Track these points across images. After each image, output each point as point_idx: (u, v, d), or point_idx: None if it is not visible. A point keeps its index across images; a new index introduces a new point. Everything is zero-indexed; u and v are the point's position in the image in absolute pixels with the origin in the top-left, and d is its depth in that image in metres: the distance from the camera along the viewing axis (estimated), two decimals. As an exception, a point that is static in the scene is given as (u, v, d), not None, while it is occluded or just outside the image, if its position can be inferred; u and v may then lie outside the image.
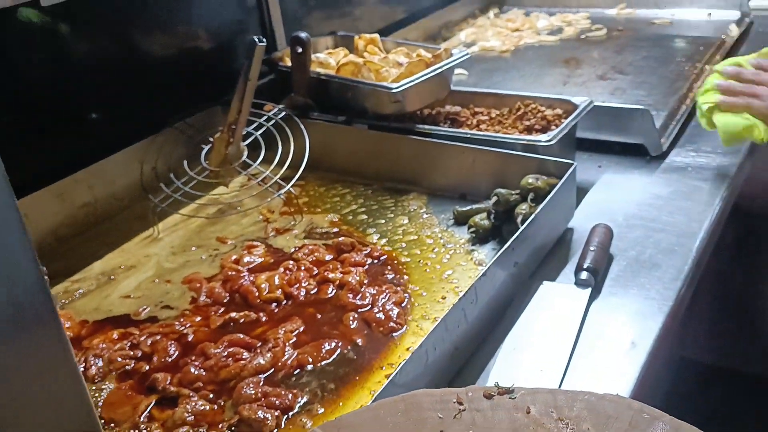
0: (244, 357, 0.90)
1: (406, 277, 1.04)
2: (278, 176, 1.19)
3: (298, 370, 0.88)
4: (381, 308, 0.96)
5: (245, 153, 1.24)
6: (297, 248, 1.12)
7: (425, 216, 1.18)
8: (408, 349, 0.89)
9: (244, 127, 1.24)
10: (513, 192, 1.07)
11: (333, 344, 0.91)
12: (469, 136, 1.20)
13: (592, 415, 0.57)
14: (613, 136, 1.32)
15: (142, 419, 0.84)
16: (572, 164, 1.06)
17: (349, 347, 0.90)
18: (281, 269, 1.05)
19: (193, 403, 0.84)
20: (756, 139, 1.14)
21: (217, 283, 1.05)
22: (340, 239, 1.11)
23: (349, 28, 1.61)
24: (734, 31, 1.82)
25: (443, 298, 0.98)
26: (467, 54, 1.35)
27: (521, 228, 0.95)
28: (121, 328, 0.99)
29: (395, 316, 0.94)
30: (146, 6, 1.34)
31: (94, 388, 0.87)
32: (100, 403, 0.87)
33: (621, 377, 0.82)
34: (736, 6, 1.93)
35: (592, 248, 0.99)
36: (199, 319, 0.99)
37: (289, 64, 1.38)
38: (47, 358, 0.38)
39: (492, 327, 0.92)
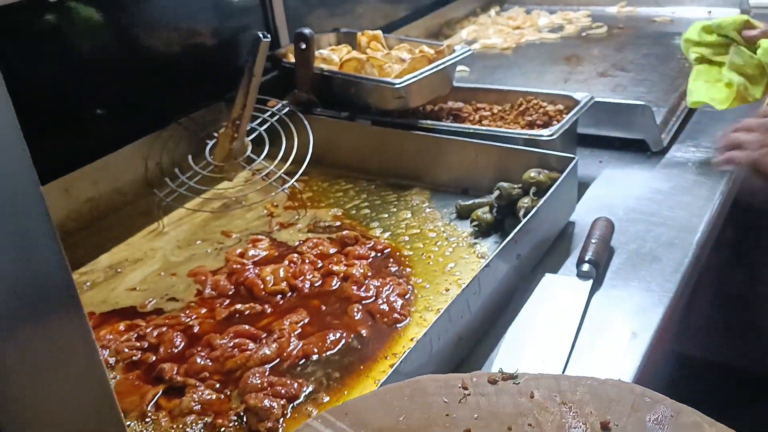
0: (249, 347, 0.91)
1: (409, 269, 1.05)
2: (282, 171, 1.21)
3: (303, 360, 0.89)
4: (385, 300, 0.97)
5: (249, 148, 1.25)
6: (301, 242, 1.13)
7: (428, 210, 1.19)
8: (412, 339, 0.90)
9: (248, 123, 1.25)
10: (515, 186, 1.08)
11: (338, 335, 0.92)
12: (471, 131, 1.21)
13: (594, 399, 0.58)
14: (613, 131, 1.34)
15: (149, 408, 0.85)
16: (574, 158, 1.07)
17: (353, 338, 0.92)
18: (286, 262, 1.06)
19: (200, 393, 0.85)
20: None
21: (222, 276, 1.06)
22: (344, 233, 1.13)
23: (350, 26, 1.62)
24: (734, 29, 1.83)
25: (446, 290, 0.99)
26: (469, 50, 1.36)
27: (523, 221, 0.96)
28: (128, 320, 1.00)
29: (399, 307, 0.95)
30: (151, 3, 1.35)
31: (101, 378, 0.88)
32: (108, 393, 0.88)
33: (622, 367, 0.83)
34: (735, 4, 1.94)
35: (593, 241, 1.00)
36: (204, 311, 1.01)
37: (293, 60, 1.39)
38: (70, 343, 0.38)
39: (495, 318, 0.93)
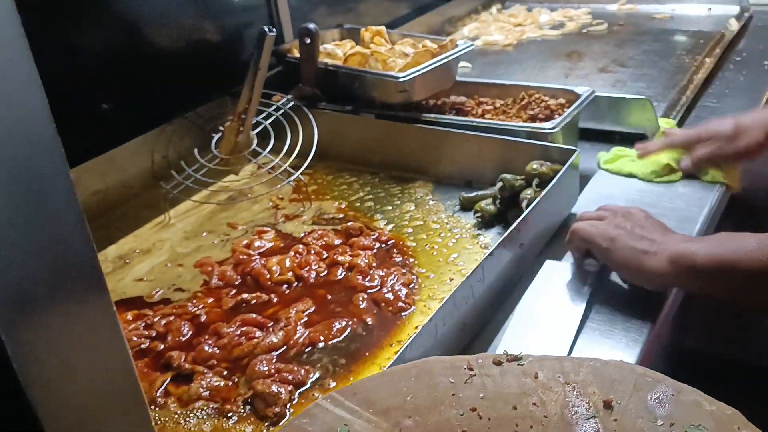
0: (256, 335, 0.92)
1: (413, 260, 1.06)
2: (287, 164, 1.22)
3: (309, 348, 0.90)
4: (390, 289, 0.98)
5: (255, 141, 1.26)
6: (306, 233, 1.14)
7: (431, 203, 1.21)
8: (416, 327, 0.91)
9: (254, 116, 1.26)
10: (518, 177, 1.09)
11: (343, 323, 0.93)
12: (474, 124, 1.23)
13: (597, 379, 0.60)
14: (614, 126, 1.35)
15: (158, 394, 0.86)
16: (575, 150, 1.08)
17: (359, 326, 0.93)
18: (291, 253, 1.08)
19: (208, 379, 0.87)
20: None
21: (228, 267, 1.08)
22: (349, 224, 1.14)
23: (353, 23, 1.64)
24: (734, 26, 1.85)
25: (450, 279, 1.00)
26: (472, 45, 1.38)
27: (526, 211, 0.97)
28: (135, 309, 1.01)
29: (404, 296, 0.97)
30: (157, -2, 1.37)
31: (111, 365, 0.89)
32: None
33: (623, 356, 0.85)
34: (735, 1, 1.95)
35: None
36: (211, 300, 1.02)
37: (297, 55, 1.41)
38: (97, 324, 0.39)
39: (499, 306, 0.94)
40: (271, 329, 0.93)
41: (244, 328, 0.94)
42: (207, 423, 0.82)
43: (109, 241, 1.17)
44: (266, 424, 0.80)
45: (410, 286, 0.99)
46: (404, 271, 1.02)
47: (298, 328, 0.93)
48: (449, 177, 1.24)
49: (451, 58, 1.32)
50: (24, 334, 0.35)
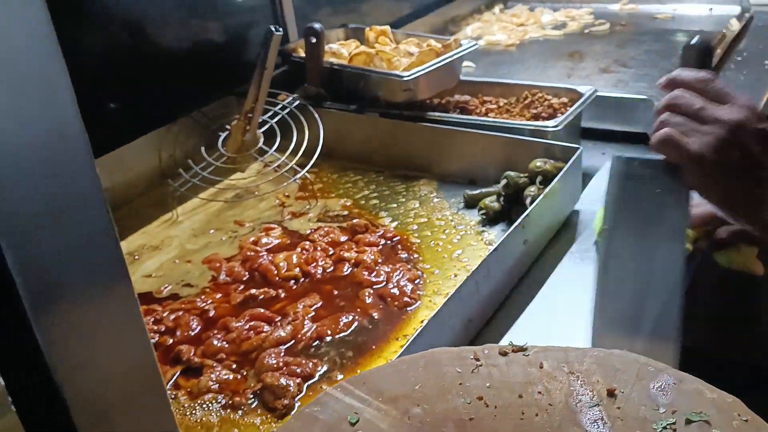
0: (264, 330, 0.94)
1: (418, 256, 1.08)
2: (293, 163, 1.24)
3: (317, 342, 0.92)
4: (395, 284, 1.00)
5: (261, 140, 1.28)
6: (313, 230, 1.16)
7: (436, 200, 1.22)
8: (422, 322, 0.92)
9: (260, 115, 1.28)
10: (522, 175, 1.11)
11: (350, 317, 0.95)
12: (478, 122, 1.24)
13: (601, 368, 0.61)
14: (616, 125, 1.36)
15: (168, 387, 0.88)
16: (578, 148, 1.10)
17: (365, 320, 0.95)
18: (298, 249, 1.09)
19: (217, 372, 0.88)
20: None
21: (236, 263, 1.09)
22: (354, 221, 1.16)
23: (356, 23, 1.65)
24: (735, 26, 1.86)
25: (455, 275, 1.02)
26: (476, 44, 1.39)
27: (530, 207, 0.99)
28: (144, 305, 1.03)
29: (409, 291, 0.98)
30: (164, -1, 1.38)
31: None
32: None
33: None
34: (736, 1, 1.96)
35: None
36: (219, 296, 1.03)
37: (302, 55, 1.43)
38: (119, 310, 0.40)
39: (503, 301, 0.96)
40: (279, 324, 0.95)
41: (252, 323, 0.95)
42: (216, 415, 0.83)
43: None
44: (275, 415, 0.82)
45: (415, 282, 1.01)
46: (409, 267, 1.04)
47: (305, 323, 0.94)
48: (453, 175, 1.26)
49: (455, 57, 1.34)
50: (52, 322, 0.36)
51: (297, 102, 1.34)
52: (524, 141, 1.17)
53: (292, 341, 0.92)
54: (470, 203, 1.17)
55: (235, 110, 1.36)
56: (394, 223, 1.17)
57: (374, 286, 1.00)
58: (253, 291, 1.02)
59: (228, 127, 1.30)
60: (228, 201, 1.26)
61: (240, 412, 0.83)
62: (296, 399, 0.83)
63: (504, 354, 0.64)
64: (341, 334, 0.93)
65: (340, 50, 1.41)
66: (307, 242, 1.12)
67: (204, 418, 0.83)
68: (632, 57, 1.75)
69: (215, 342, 0.93)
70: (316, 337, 0.92)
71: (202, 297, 1.03)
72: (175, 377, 0.89)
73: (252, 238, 1.15)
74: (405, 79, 1.27)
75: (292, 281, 1.04)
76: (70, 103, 0.37)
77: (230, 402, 0.84)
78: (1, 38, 0.33)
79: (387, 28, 1.50)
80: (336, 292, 1.01)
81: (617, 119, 1.35)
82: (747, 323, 1.78)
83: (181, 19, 1.43)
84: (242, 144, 1.27)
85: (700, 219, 0.96)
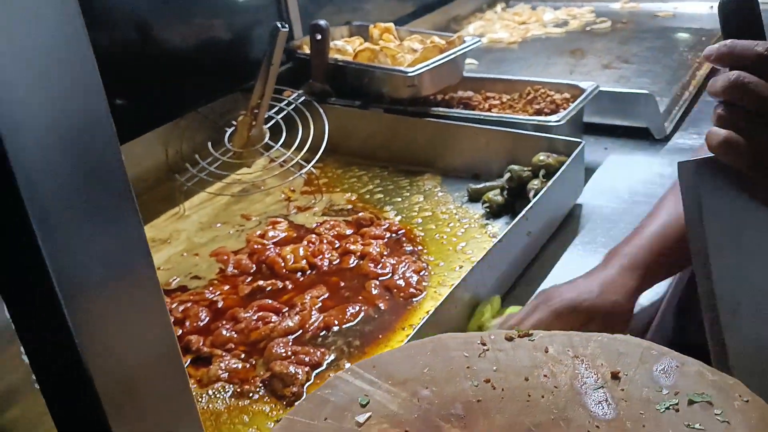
0: (272, 320, 0.96)
1: (422, 248, 1.09)
2: (299, 157, 1.25)
3: (324, 331, 0.93)
4: (401, 276, 1.01)
5: (267, 135, 1.29)
6: (318, 224, 1.17)
7: (440, 194, 1.24)
8: (427, 312, 0.94)
9: (266, 111, 1.29)
10: (525, 169, 1.12)
11: (357, 308, 0.96)
12: (482, 117, 1.26)
13: (605, 352, 0.63)
14: (618, 120, 1.38)
15: (179, 376, 0.89)
16: (580, 142, 1.11)
17: (371, 311, 0.96)
18: (305, 242, 1.11)
19: (227, 362, 0.90)
20: None
21: (243, 256, 1.11)
22: (360, 214, 1.17)
23: (359, 21, 1.67)
24: (735, 23, 1.87)
25: (459, 267, 1.03)
26: (479, 41, 1.41)
27: (534, 200, 1.00)
28: (153, 297, 1.04)
29: (415, 282, 1.00)
30: (170, -4, 1.40)
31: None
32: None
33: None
34: None
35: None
36: (227, 287, 1.05)
37: (307, 52, 1.44)
38: (146, 295, 0.41)
39: (508, 292, 0.97)
40: (286, 314, 0.96)
41: (260, 313, 0.97)
42: (226, 402, 0.85)
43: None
44: (284, 403, 0.83)
45: (421, 273, 1.02)
46: (414, 259, 1.05)
47: (312, 313, 0.96)
48: (457, 169, 1.27)
49: (458, 53, 1.35)
50: (83, 307, 0.37)
51: (302, 98, 1.36)
52: (527, 135, 1.18)
53: (300, 331, 0.94)
54: (474, 197, 1.19)
55: (241, 106, 1.38)
56: (399, 217, 1.18)
57: (380, 278, 1.02)
58: (260, 283, 1.04)
59: (234, 122, 1.32)
60: (234, 195, 1.27)
61: (249, 399, 0.85)
62: (305, 387, 0.85)
63: (510, 339, 0.66)
64: (348, 324, 0.94)
65: (344, 47, 1.42)
66: (314, 235, 1.13)
67: (214, 407, 0.84)
68: (634, 54, 1.77)
69: (224, 332, 0.94)
70: (323, 327, 0.94)
71: (210, 289, 1.04)
72: (185, 367, 0.90)
73: (258, 232, 1.16)
74: (409, 75, 1.29)
75: (299, 273, 1.06)
76: (97, 89, 0.39)
77: (239, 390, 0.86)
78: (33, 24, 0.35)
79: (391, 25, 1.52)
80: (342, 284, 1.02)
81: (619, 114, 1.37)
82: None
83: (188, 17, 1.45)
84: (248, 139, 1.29)
85: None
